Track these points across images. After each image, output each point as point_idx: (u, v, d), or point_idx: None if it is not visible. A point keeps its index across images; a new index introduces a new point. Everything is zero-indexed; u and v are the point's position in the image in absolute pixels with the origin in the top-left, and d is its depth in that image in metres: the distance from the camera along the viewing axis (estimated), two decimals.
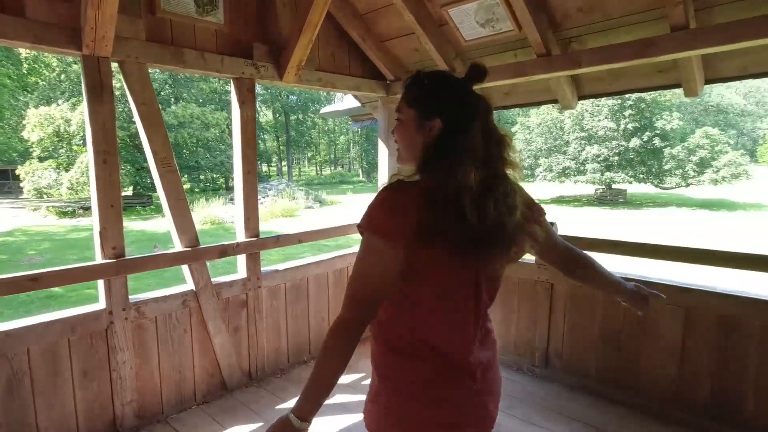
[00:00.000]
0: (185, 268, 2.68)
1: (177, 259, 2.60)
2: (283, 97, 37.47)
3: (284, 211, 17.41)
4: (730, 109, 37.86)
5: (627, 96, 21.42)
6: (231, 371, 2.89)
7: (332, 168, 51.79)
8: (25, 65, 21.90)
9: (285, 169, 41.89)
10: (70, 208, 17.46)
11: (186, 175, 23.56)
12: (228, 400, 2.81)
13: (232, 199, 18.13)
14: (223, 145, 23.86)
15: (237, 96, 2.81)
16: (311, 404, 1.00)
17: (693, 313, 2.48)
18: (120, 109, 17.41)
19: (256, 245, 2.94)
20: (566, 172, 23.30)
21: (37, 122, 17.46)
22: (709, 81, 2.61)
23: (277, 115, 40.32)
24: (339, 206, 21.01)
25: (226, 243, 2.83)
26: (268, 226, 13.71)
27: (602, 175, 22.17)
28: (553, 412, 2.67)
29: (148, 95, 2.42)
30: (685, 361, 2.50)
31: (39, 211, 17.80)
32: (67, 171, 17.68)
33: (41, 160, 18.30)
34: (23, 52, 21.34)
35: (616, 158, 22.07)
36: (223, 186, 27.43)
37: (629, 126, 21.91)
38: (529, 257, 2.92)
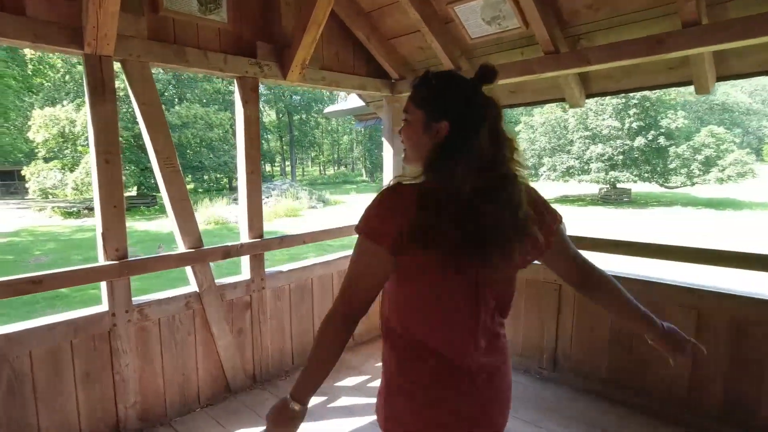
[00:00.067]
0: (188, 269, 2.65)
1: (180, 260, 2.58)
2: (286, 97, 37.49)
3: (288, 211, 17.42)
4: (735, 108, 37.59)
5: (632, 95, 21.30)
6: (235, 373, 2.86)
7: (335, 168, 51.80)
8: (30, 66, 21.99)
9: (288, 169, 41.91)
10: (75, 209, 17.53)
11: (190, 176, 23.62)
12: (232, 402, 2.78)
13: (235, 199, 18.15)
14: (226, 145, 23.89)
15: (240, 95, 2.78)
16: (305, 388, 1.08)
17: (705, 314, 2.43)
18: (124, 110, 17.46)
19: (259, 246, 2.91)
20: (570, 171, 23.18)
21: (42, 123, 17.52)
22: (720, 78, 2.56)
23: (281, 115, 40.35)
24: (342, 206, 20.99)
25: (229, 244, 2.80)
26: (271, 225, 13.71)
27: (606, 174, 22.05)
28: (561, 415, 2.63)
29: (151, 95, 2.40)
30: (697, 364, 2.45)
31: (44, 211, 17.88)
32: (71, 171, 17.74)
33: (46, 160, 18.37)
34: (28, 53, 21.45)
35: (621, 157, 21.94)
36: (227, 186, 27.48)
37: (634, 125, 21.78)
38: None
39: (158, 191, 2.63)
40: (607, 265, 2.97)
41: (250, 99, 2.80)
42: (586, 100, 3.17)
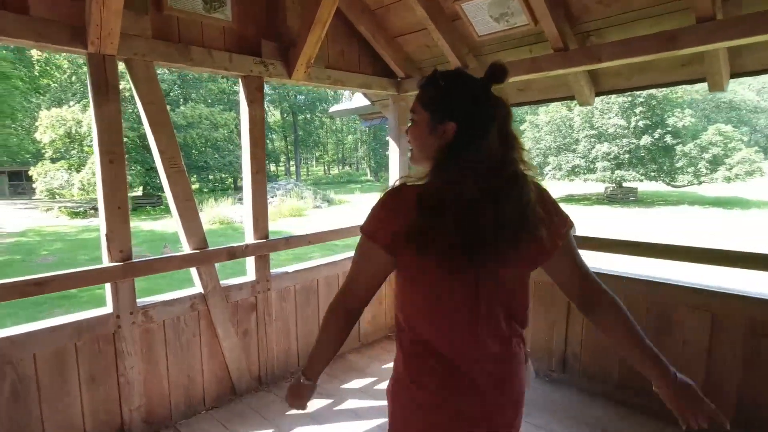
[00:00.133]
0: (193, 270, 2.63)
1: (185, 261, 2.55)
2: (290, 97, 37.54)
3: (292, 210, 17.43)
4: (743, 106, 37.19)
5: (638, 93, 21.15)
6: (240, 375, 2.84)
7: (340, 167, 51.82)
8: (37, 67, 22.14)
9: (293, 168, 41.97)
10: (81, 209, 17.63)
11: (195, 175, 23.69)
12: (237, 405, 2.76)
13: (240, 199, 18.19)
14: (231, 145, 23.93)
15: (245, 95, 2.75)
16: (313, 368, 1.19)
17: (721, 317, 2.37)
18: (130, 110, 17.53)
19: (265, 247, 2.88)
20: (576, 170, 23.04)
21: (49, 124, 17.60)
22: (735, 75, 2.50)
23: (285, 114, 40.41)
24: (347, 206, 20.98)
25: (234, 245, 2.77)
26: (276, 225, 13.70)
27: (612, 173, 21.89)
28: (571, 418, 2.58)
29: (155, 94, 2.37)
30: (712, 368, 2.40)
31: (51, 211, 18.00)
32: (78, 172, 17.83)
33: (53, 161, 18.47)
34: (35, 54, 21.59)
35: (627, 156, 21.78)
36: (232, 186, 27.54)
37: (640, 123, 21.61)
38: None
39: (164, 191, 2.61)
40: (615, 266, 2.94)
41: (255, 98, 2.77)
42: (596, 98, 3.12)
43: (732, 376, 2.34)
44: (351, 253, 3.52)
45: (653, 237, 11.47)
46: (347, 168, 51.16)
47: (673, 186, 22.97)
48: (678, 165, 21.73)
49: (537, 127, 24.49)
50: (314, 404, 2.77)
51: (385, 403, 1.18)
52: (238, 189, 25.74)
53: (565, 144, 23.73)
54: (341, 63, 3.27)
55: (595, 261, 3.38)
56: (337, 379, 3.07)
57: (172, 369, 2.55)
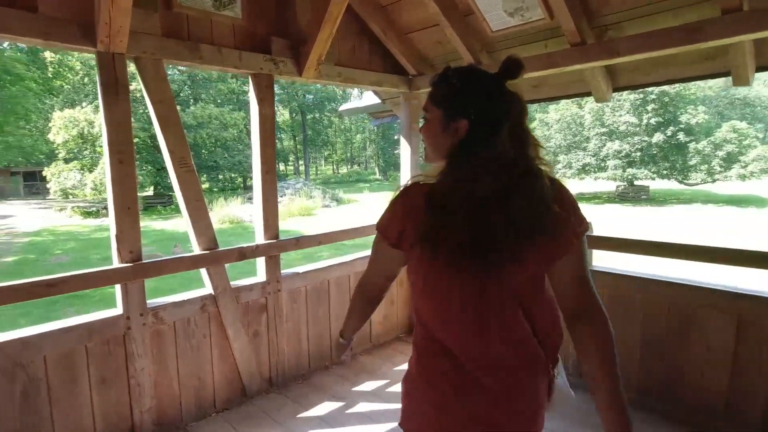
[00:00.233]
0: (203, 271, 2.60)
1: (195, 262, 2.52)
2: (299, 97, 37.60)
3: (302, 210, 17.46)
4: (757, 102, 36.50)
5: (650, 90, 20.85)
6: (251, 377, 2.80)
7: (349, 167, 51.83)
8: (50, 69, 22.41)
9: (302, 168, 42.04)
10: (93, 208, 17.81)
11: (205, 175, 23.84)
12: (248, 407, 2.72)
13: (249, 198, 18.26)
14: (240, 145, 24.05)
15: (255, 93, 2.71)
16: (346, 329, 1.37)
17: (746, 320, 2.28)
18: (141, 111, 17.67)
19: (275, 247, 2.85)
20: (586, 168, 22.80)
21: (62, 125, 17.81)
22: (760, 69, 2.41)
23: (294, 114, 40.48)
24: (356, 205, 20.96)
25: (245, 245, 2.74)
26: (285, 225, 13.72)
27: (624, 171, 21.62)
28: (588, 423, 2.50)
29: (165, 93, 2.34)
30: (737, 373, 2.31)
31: (65, 211, 18.21)
32: (90, 172, 18.03)
33: (66, 161, 18.67)
34: (48, 56, 21.86)
35: (638, 154, 21.50)
36: (241, 185, 27.66)
37: (652, 121, 21.31)
38: None
39: (174, 191, 2.58)
40: (633, 266, 2.86)
41: (265, 96, 2.73)
42: (613, 94, 3.04)
43: (760, 382, 2.25)
44: (362, 253, 3.50)
45: (667, 236, 11.29)
46: (356, 167, 51.14)
47: (686, 184, 22.63)
48: (691, 163, 21.39)
49: (547, 125, 24.26)
50: (325, 407, 2.73)
51: (398, 406, 1.17)
52: (247, 188, 25.85)
53: (575, 142, 23.48)
54: (352, 60, 3.23)
55: (609, 261, 3.30)
56: (348, 381, 3.03)
57: (183, 371, 2.52)
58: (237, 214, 15.89)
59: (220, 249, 2.60)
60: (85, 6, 2.01)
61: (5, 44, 21.45)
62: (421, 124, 1.10)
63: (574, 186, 25.38)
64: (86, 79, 21.72)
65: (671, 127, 21.18)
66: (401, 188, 1.06)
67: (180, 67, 24.46)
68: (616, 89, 2.97)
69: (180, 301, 2.49)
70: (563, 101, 23.44)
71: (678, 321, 2.50)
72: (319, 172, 49.40)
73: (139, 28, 2.16)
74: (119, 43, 2.06)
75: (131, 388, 2.31)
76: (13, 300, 1.99)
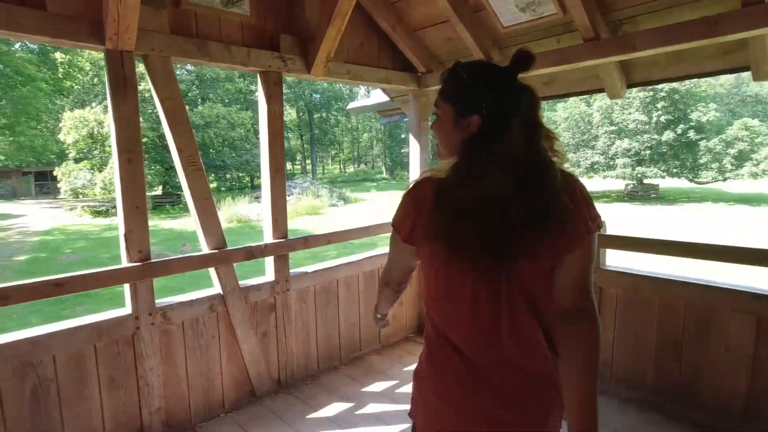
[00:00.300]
0: (212, 270, 2.58)
1: (203, 261, 2.51)
2: (306, 96, 37.66)
3: (309, 209, 17.47)
4: None
5: (659, 87, 20.60)
6: (260, 378, 2.78)
7: (356, 165, 51.84)
8: (61, 70, 22.64)
9: (309, 167, 42.11)
10: (103, 208, 17.97)
11: (212, 175, 23.96)
12: (257, 407, 2.70)
13: (257, 198, 18.31)
14: (248, 144, 24.14)
15: (264, 90, 2.69)
16: (378, 308, 1.41)
17: (767, 321, 2.22)
18: (150, 111, 17.77)
19: (284, 247, 2.82)
20: (595, 167, 22.62)
21: (72, 125, 17.97)
22: None
23: (301, 113, 40.54)
24: (363, 204, 20.95)
25: (253, 245, 2.71)
26: (293, 224, 13.74)
27: (633, 170, 21.41)
28: (603, 427, 2.45)
29: (173, 90, 2.32)
30: (757, 375, 2.24)
31: (75, 210, 18.39)
32: (100, 171, 18.18)
33: (76, 161, 18.84)
34: (58, 56, 22.07)
35: (648, 152, 21.27)
36: (249, 184, 27.77)
37: (662, 118, 21.08)
38: None
39: (182, 190, 2.58)
40: (649, 266, 2.80)
41: (274, 94, 2.71)
42: (627, 90, 2.98)
43: None
44: (370, 253, 3.48)
45: (677, 235, 11.15)
46: (363, 166, 51.14)
47: (697, 182, 22.37)
48: (701, 161, 21.14)
49: (554, 124, 24.09)
50: (335, 408, 2.70)
51: (408, 407, 1.17)
52: (254, 187, 25.94)
53: (583, 140, 23.29)
54: (360, 58, 3.19)
55: (621, 261, 3.24)
56: (357, 382, 3.00)
57: (192, 371, 2.51)
58: (245, 213, 15.95)
59: (229, 248, 2.58)
60: (94, 3, 1.99)
61: (17, 45, 21.69)
62: (431, 121, 1.09)
63: None
64: (96, 80, 21.91)
65: (681, 125, 20.93)
66: (412, 183, 1.07)
67: (188, 67, 24.65)
68: (630, 85, 2.91)
69: (188, 301, 2.47)
70: (571, 99, 23.27)
71: (695, 321, 2.44)
72: (326, 171, 49.46)
73: (147, 26, 2.14)
74: (127, 41, 2.05)
75: (140, 388, 2.30)
76: (23, 299, 1.98)
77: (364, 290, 3.37)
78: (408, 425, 1.19)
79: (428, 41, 3.31)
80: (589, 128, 23.14)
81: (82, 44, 2.02)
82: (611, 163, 22.08)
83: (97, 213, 17.78)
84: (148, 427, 2.33)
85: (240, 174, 26.32)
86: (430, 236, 0.99)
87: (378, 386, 2.94)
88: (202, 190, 2.47)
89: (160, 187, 21.23)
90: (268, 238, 2.81)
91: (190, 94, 25.06)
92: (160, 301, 2.39)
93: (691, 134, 20.82)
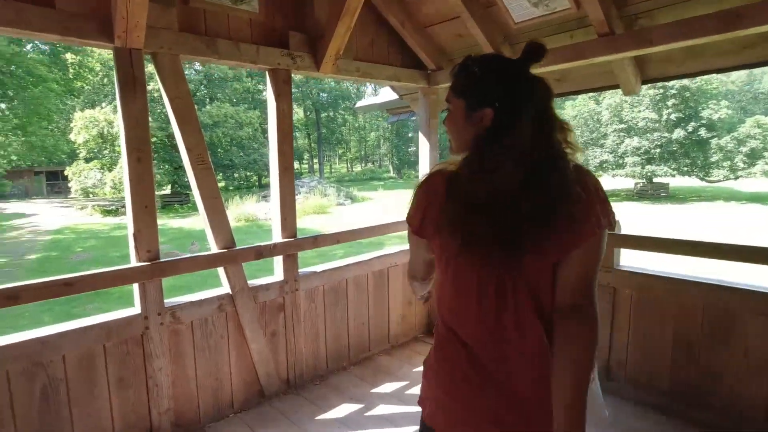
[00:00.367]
0: (221, 270, 2.57)
1: (212, 261, 2.49)
2: (314, 95, 37.71)
3: (316, 208, 17.48)
4: None
5: (670, 84, 20.35)
6: (269, 378, 2.76)
7: (363, 164, 51.81)
8: (71, 70, 22.82)
9: (316, 166, 42.16)
10: (113, 207, 18.13)
11: (221, 174, 24.06)
12: (266, 408, 2.69)
13: (265, 197, 18.36)
14: (256, 144, 24.21)
15: (273, 88, 2.66)
16: (416, 293, 1.36)
17: None
18: (159, 110, 17.87)
19: (293, 246, 2.80)
20: (604, 165, 22.41)
21: (82, 125, 18.11)
22: None
23: (308, 112, 40.59)
24: (370, 203, 20.93)
25: (262, 244, 2.70)
26: (300, 223, 13.72)
27: (643, 168, 21.18)
28: (615, 429, 2.41)
29: (182, 89, 2.31)
30: None
31: (85, 209, 18.58)
32: (110, 171, 18.33)
33: (87, 161, 19.00)
34: (69, 57, 22.25)
35: (658, 150, 21.03)
36: (257, 184, 27.86)
37: (672, 116, 20.82)
38: None
39: (191, 189, 2.57)
40: (664, 267, 2.74)
41: (283, 92, 2.68)
42: (642, 86, 2.92)
43: None
44: (379, 252, 3.47)
45: (688, 234, 11.00)
46: (370, 165, 51.10)
47: (708, 181, 22.08)
48: (713, 159, 20.86)
49: None
50: (344, 409, 2.67)
51: (418, 409, 1.15)
52: (262, 187, 26.01)
53: (592, 139, 23.08)
54: (369, 55, 3.16)
55: (632, 260, 3.18)
56: (366, 382, 2.97)
57: (201, 371, 2.49)
58: (253, 212, 15.99)
59: (237, 248, 2.56)
60: (103, 1, 1.98)
61: (28, 46, 21.92)
62: (444, 116, 1.09)
63: None
64: (105, 80, 22.07)
65: (692, 123, 20.67)
66: (423, 176, 1.06)
67: (196, 67, 24.77)
68: (646, 81, 2.85)
69: (197, 301, 2.46)
70: (580, 97, 23.07)
71: (712, 323, 2.38)
72: (333, 170, 49.50)
73: (156, 23, 2.13)
74: (136, 39, 2.03)
75: (149, 388, 2.29)
76: (34, 299, 1.98)
77: (374, 290, 3.35)
78: (417, 427, 1.16)
79: (438, 38, 3.27)
80: (598, 126, 22.94)
81: (90, 42, 2.00)
82: (620, 161, 21.87)
83: (107, 212, 17.94)
84: (157, 428, 2.32)
85: (248, 173, 26.41)
86: (441, 229, 0.99)
87: (387, 387, 2.91)
88: (211, 188, 2.46)
89: (169, 186, 21.36)
90: (277, 237, 2.79)
91: (198, 94, 25.17)
92: (169, 301, 2.37)
93: (702, 132, 20.54)
